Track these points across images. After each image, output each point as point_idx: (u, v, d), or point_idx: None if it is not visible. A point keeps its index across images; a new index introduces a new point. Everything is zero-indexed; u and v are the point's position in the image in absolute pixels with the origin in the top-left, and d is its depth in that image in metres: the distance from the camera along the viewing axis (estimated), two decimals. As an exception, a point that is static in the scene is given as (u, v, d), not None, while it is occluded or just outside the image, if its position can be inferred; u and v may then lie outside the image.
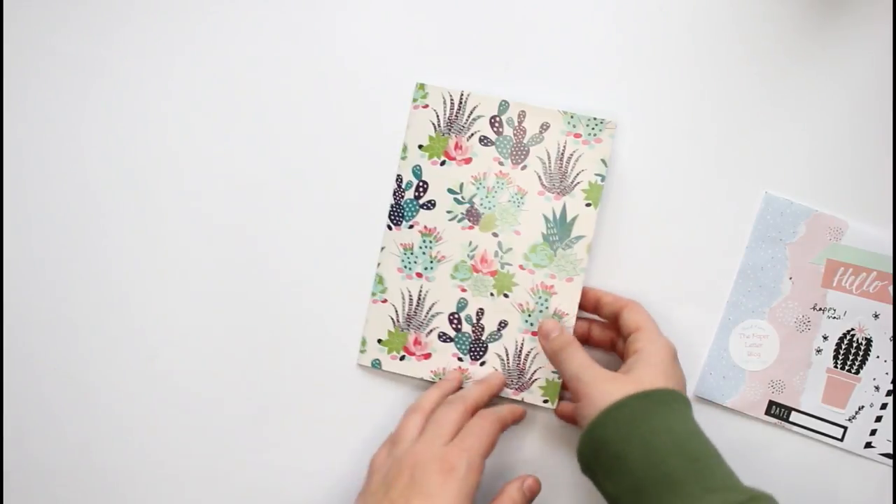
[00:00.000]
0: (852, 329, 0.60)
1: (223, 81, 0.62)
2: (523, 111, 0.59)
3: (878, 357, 0.60)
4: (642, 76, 0.60)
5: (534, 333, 0.60)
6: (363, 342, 0.61)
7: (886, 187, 0.60)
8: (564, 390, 0.61)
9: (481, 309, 0.60)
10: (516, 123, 0.59)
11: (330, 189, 0.62)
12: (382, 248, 0.61)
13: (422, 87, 0.60)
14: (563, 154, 0.59)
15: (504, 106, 0.59)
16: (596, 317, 0.61)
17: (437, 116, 0.60)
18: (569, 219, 0.59)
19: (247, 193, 0.62)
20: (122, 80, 0.62)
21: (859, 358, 0.60)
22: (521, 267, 0.59)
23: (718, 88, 0.60)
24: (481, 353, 0.60)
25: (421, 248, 0.60)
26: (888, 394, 0.60)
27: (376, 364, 0.61)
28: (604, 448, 0.52)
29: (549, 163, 0.59)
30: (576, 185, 0.59)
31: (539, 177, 0.59)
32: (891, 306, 0.60)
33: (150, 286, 0.62)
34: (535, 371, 0.60)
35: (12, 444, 0.63)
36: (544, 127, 0.59)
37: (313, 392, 0.63)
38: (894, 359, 0.60)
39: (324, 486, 0.62)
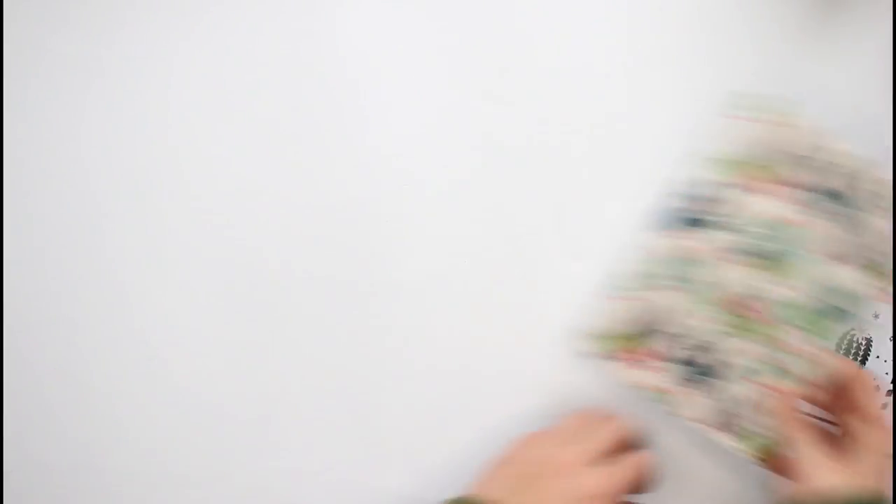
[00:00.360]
0: (852, 329, 0.60)
1: (224, 81, 0.62)
2: (858, 171, 0.55)
3: (877, 357, 0.60)
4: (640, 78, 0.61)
5: (769, 387, 0.56)
6: (593, 333, 0.58)
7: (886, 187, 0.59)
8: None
9: (724, 345, 0.57)
10: (867, 191, 0.55)
11: (331, 188, 0.62)
12: (649, 248, 0.57)
13: (751, 97, 0.57)
14: (887, 239, 0.55)
15: (860, 175, 0.55)
16: None
17: (789, 143, 0.55)
18: (854, 295, 0.56)
19: (248, 193, 0.62)
20: (123, 80, 0.62)
21: (859, 358, 0.60)
22: (783, 322, 0.56)
23: (714, 90, 0.60)
24: (706, 385, 0.57)
25: (688, 264, 0.56)
26: (888, 393, 0.60)
27: (600, 357, 0.58)
28: None
29: (869, 240, 0.55)
30: (883, 273, 0.55)
31: (847, 245, 0.55)
32: (891, 306, 0.60)
33: (151, 285, 0.62)
34: (754, 423, 0.57)
35: (12, 444, 0.63)
36: (874, 197, 0.55)
37: (315, 393, 0.62)
38: (894, 359, 0.60)
39: (326, 487, 0.62)
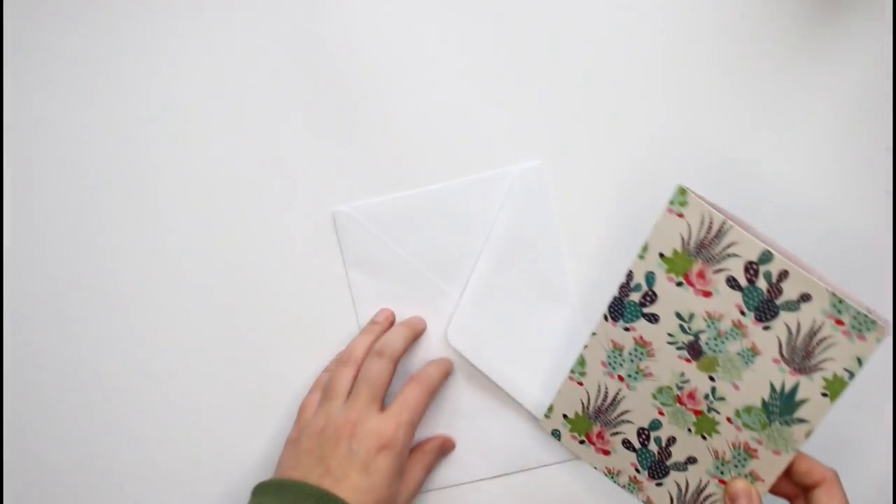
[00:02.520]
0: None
1: (225, 82, 0.62)
2: (786, 272, 0.52)
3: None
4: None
5: (721, 482, 0.56)
6: (550, 409, 0.60)
7: (886, 187, 0.60)
8: None
9: (673, 437, 0.57)
10: (774, 280, 0.53)
11: (332, 192, 0.62)
12: (594, 334, 0.57)
13: (683, 192, 0.54)
14: (816, 334, 0.52)
15: (766, 256, 0.53)
16: None
17: (690, 234, 0.54)
18: (798, 399, 0.53)
19: (248, 193, 0.62)
20: (122, 80, 0.62)
21: None
22: (729, 420, 0.55)
23: (715, 89, 0.60)
24: (661, 475, 0.58)
25: (631, 354, 0.56)
26: None
27: (556, 435, 0.60)
28: None
29: (797, 336, 0.53)
30: (819, 370, 0.53)
31: (780, 345, 0.53)
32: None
33: (151, 285, 0.63)
34: None
35: (12, 444, 0.64)
36: (804, 298, 0.52)
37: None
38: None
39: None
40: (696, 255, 0.54)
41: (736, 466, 0.56)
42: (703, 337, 0.55)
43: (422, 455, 0.60)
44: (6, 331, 0.63)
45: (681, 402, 0.56)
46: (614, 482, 0.60)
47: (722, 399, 0.55)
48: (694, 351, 0.55)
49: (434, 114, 0.61)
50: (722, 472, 0.57)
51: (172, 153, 0.62)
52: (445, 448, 0.61)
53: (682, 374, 0.56)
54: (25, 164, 0.63)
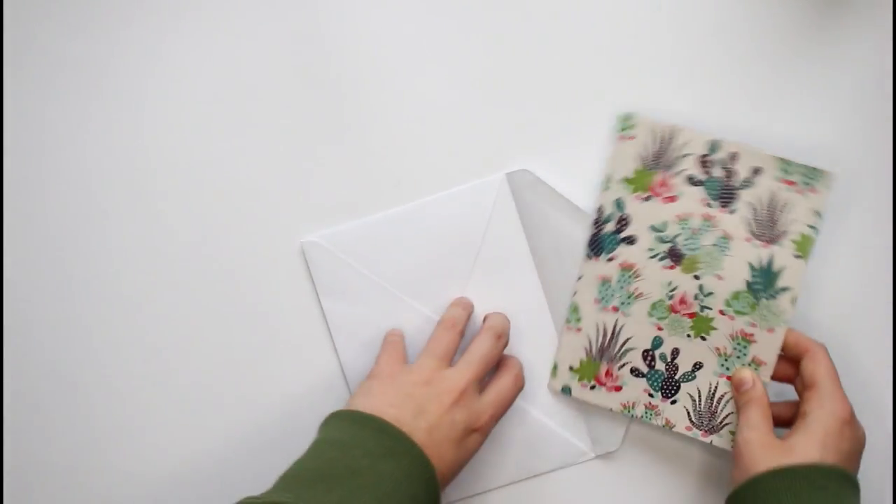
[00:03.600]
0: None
1: (225, 82, 0.62)
2: (735, 153, 0.57)
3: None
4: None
5: (728, 378, 0.58)
6: (555, 368, 0.60)
7: (886, 187, 0.60)
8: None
9: (676, 349, 0.58)
10: (727, 165, 0.57)
11: (331, 193, 0.62)
12: (580, 278, 0.59)
13: (628, 117, 0.59)
14: (774, 201, 0.57)
15: (715, 145, 0.57)
16: None
17: (646, 149, 0.58)
18: (775, 269, 0.57)
19: (248, 194, 0.62)
20: (122, 80, 0.62)
21: None
22: (722, 312, 0.57)
23: (715, 89, 0.61)
24: (673, 392, 0.58)
25: (619, 282, 0.58)
26: None
27: (566, 391, 0.60)
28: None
29: (760, 209, 0.57)
30: (786, 234, 0.57)
31: (748, 222, 0.57)
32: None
33: (150, 285, 0.62)
34: (726, 416, 0.58)
35: (12, 444, 0.62)
36: (756, 171, 0.57)
37: (315, 390, 0.62)
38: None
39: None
40: (655, 166, 0.58)
41: (738, 357, 0.58)
42: (679, 240, 0.58)
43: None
44: (6, 331, 0.62)
45: (674, 311, 0.58)
46: (631, 416, 0.60)
47: (710, 294, 0.58)
48: (675, 256, 0.58)
49: (414, 127, 0.62)
50: (727, 368, 0.58)
51: (172, 154, 0.62)
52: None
53: (670, 283, 0.58)
54: (25, 164, 0.62)
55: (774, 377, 0.57)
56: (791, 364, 0.57)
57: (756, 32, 0.60)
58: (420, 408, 0.53)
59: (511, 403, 0.57)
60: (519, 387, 0.57)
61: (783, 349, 0.57)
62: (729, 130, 0.59)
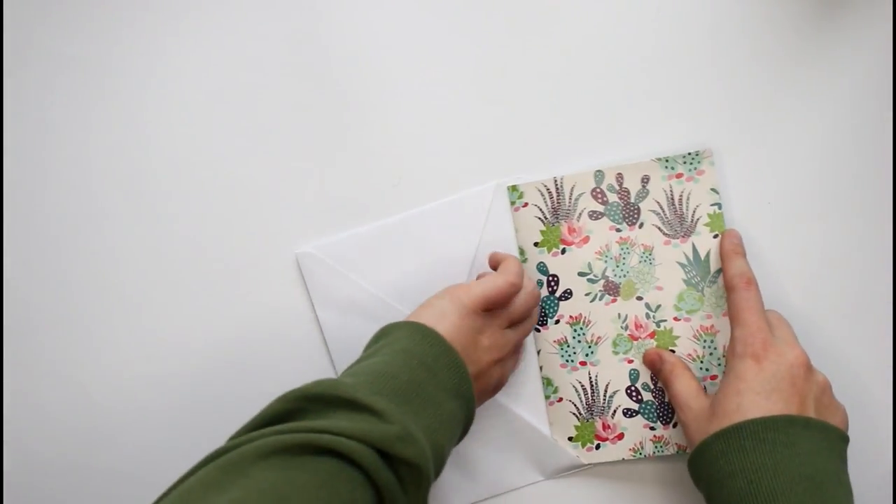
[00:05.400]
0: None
1: (226, 82, 0.62)
2: (619, 173, 0.58)
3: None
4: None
5: (713, 378, 0.58)
6: (554, 446, 0.61)
7: (886, 187, 0.59)
8: None
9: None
10: (618, 187, 0.59)
11: (330, 192, 0.62)
12: (539, 351, 0.60)
13: (514, 188, 0.60)
14: (673, 198, 0.58)
15: (599, 176, 0.59)
16: None
17: (541, 210, 0.59)
18: (703, 256, 0.58)
19: (247, 195, 0.62)
20: (123, 80, 0.62)
21: None
22: (676, 318, 0.58)
23: (714, 89, 0.60)
24: (671, 415, 0.59)
25: (575, 337, 0.59)
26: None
27: (576, 464, 0.60)
28: (699, 484, 0.52)
29: (664, 212, 0.58)
30: (697, 221, 0.58)
31: (659, 228, 0.58)
32: None
33: (150, 285, 0.62)
34: None
35: (12, 444, 0.63)
36: (645, 180, 0.58)
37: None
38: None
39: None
40: (557, 220, 0.59)
41: (710, 354, 0.58)
42: (608, 273, 0.59)
43: None
44: (6, 331, 0.62)
45: (635, 339, 0.59)
46: (644, 457, 0.59)
47: (659, 307, 0.59)
48: (612, 289, 0.59)
49: (413, 128, 0.61)
50: (707, 370, 0.58)
51: (172, 154, 0.62)
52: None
53: (619, 315, 0.59)
54: (25, 164, 0.62)
55: None
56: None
57: (755, 34, 0.60)
58: (474, 352, 0.53)
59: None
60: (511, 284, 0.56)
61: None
62: (728, 131, 0.59)
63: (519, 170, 0.60)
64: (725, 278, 0.55)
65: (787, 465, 0.47)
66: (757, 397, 0.50)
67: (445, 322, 0.52)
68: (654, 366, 0.58)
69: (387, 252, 0.61)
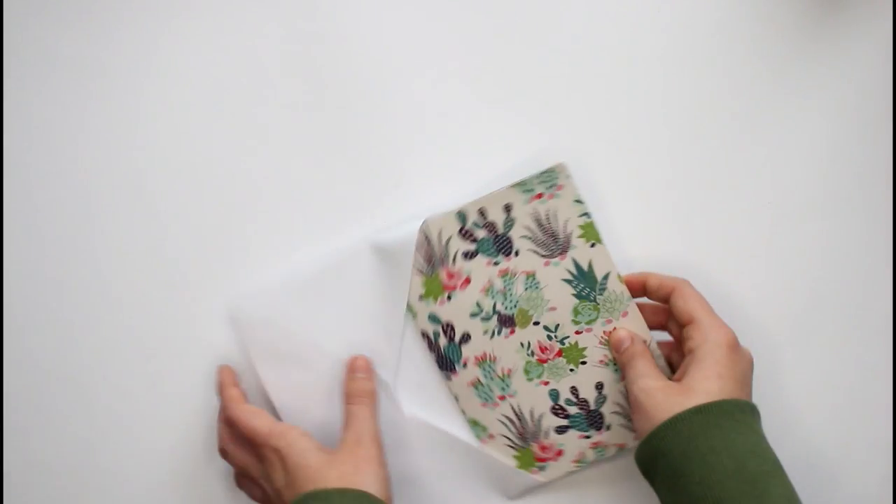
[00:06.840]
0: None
1: (226, 82, 0.62)
2: (480, 207, 0.58)
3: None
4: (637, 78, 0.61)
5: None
6: (501, 477, 0.61)
7: (886, 187, 0.60)
8: None
9: (574, 387, 0.59)
10: (483, 223, 0.58)
11: (328, 192, 0.62)
12: (457, 398, 0.60)
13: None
14: (540, 220, 0.58)
15: (462, 215, 0.58)
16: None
17: (417, 262, 0.59)
18: (586, 268, 0.58)
19: (247, 195, 0.62)
20: (121, 80, 0.62)
21: None
22: (578, 332, 0.59)
23: (715, 89, 0.60)
24: (601, 420, 0.59)
25: (486, 376, 0.60)
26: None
27: (527, 489, 0.61)
28: (662, 459, 0.51)
29: (535, 234, 0.58)
30: (570, 235, 0.58)
31: (535, 252, 0.58)
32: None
33: (150, 285, 0.62)
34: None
35: (12, 444, 0.63)
36: (507, 208, 0.58)
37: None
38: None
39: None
40: (433, 268, 0.59)
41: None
42: (499, 307, 0.59)
43: None
44: (6, 331, 0.62)
45: (543, 361, 0.59)
46: (587, 466, 0.60)
47: (557, 326, 0.59)
48: (507, 321, 0.59)
49: (414, 130, 0.62)
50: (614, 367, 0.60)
51: (172, 155, 0.62)
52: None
53: (521, 344, 0.59)
54: (25, 164, 0.62)
55: (656, 328, 0.59)
56: (659, 311, 0.58)
57: (755, 34, 0.60)
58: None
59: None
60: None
61: (650, 294, 0.58)
62: (728, 131, 0.60)
63: (526, 166, 0.59)
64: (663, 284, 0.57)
65: (766, 449, 0.51)
66: (735, 385, 0.52)
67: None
68: (621, 344, 0.57)
69: (323, 297, 0.60)
